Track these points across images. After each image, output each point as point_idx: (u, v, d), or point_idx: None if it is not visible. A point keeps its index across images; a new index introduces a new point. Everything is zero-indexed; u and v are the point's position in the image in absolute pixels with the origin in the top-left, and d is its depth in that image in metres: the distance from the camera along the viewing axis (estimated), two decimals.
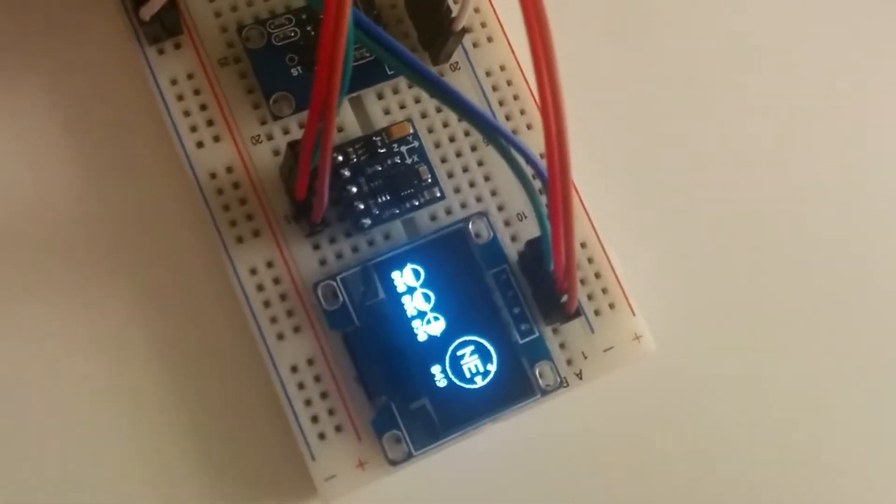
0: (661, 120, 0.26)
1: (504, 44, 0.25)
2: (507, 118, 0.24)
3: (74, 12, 0.24)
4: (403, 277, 0.22)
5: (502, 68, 0.24)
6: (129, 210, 0.23)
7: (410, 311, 0.22)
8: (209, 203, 0.23)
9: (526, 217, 0.24)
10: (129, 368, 0.23)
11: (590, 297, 0.24)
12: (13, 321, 0.22)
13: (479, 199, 0.24)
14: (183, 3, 0.23)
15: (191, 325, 0.23)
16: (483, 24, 0.25)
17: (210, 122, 0.23)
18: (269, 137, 0.23)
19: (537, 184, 0.20)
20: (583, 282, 0.24)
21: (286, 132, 0.23)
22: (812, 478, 0.25)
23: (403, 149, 0.23)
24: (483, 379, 0.22)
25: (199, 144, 0.23)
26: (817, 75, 0.27)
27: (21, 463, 0.22)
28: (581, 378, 0.23)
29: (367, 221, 0.22)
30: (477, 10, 0.25)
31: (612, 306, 0.24)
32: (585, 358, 0.23)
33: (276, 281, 0.22)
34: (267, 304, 0.22)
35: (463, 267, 0.23)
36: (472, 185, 0.24)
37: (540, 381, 0.22)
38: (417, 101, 0.24)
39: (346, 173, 0.22)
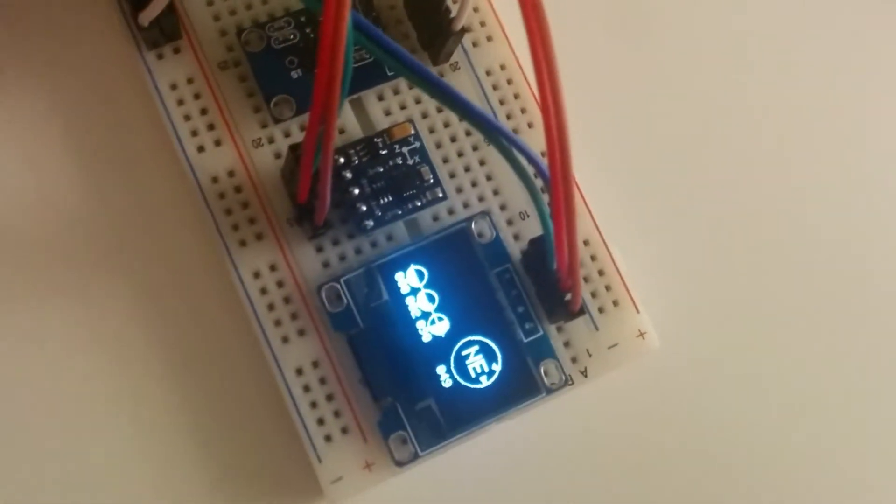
0: (662, 118, 0.26)
1: (504, 43, 0.25)
2: (508, 117, 0.24)
3: (74, 13, 0.24)
4: (407, 278, 0.22)
5: (502, 67, 0.24)
6: (130, 212, 0.23)
7: (414, 312, 0.22)
8: (211, 207, 0.23)
9: (528, 216, 0.24)
10: (130, 369, 0.23)
11: (593, 295, 0.24)
12: (13, 321, 0.22)
13: (481, 199, 0.24)
14: (181, 7, 0.23)
15: (193, 326, 0.23)
16: (482, 24, 0.25)
17: (211, 126, 0.23)
18: (271, 140, 0.23)
19: (539, 182, 0.20)
20: (586, 279, 0.24)
21: (287, 135, 0.23)
22: (812, 477, 0.25)
23: (405, 149, 0.23)
24: (488, 378, 0.22)
25: (201, 149, 0.23)
26: (817, 75, 0.27)
27: (21, 463, 0.22)
28: (586, 376, 0.23)
29: (370, 223, 0.22)
30: (476, 10, 0.25)
31: (615, 303, 0.24)
32: (590, 355, 0.23)
33: (280, 284, 0.22)
34: (271, 307, 0.22)
35: (466, 267, 0.23)
36: (474, 184, 0.24)
37: (545, 380, 0.22)
38: (418, 101, 0.24)
39: (348, 175, 0.22)
